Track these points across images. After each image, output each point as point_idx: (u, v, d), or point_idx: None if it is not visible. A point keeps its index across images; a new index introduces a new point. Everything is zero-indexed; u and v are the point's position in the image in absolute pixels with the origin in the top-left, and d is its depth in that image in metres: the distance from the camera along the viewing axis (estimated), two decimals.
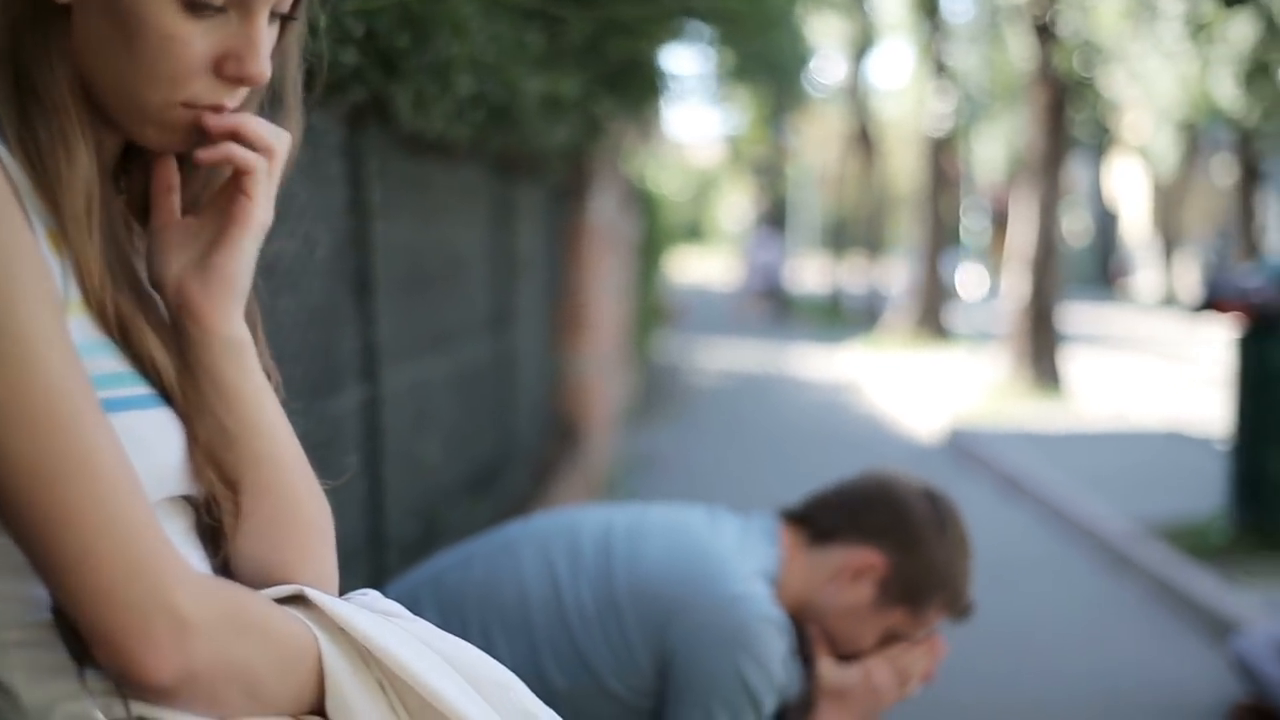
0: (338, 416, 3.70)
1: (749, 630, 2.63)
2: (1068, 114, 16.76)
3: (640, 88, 7.13)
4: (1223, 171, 37.16)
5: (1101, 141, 38.56)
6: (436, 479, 4.89)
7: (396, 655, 1.42)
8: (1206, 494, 9.70)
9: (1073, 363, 18.14)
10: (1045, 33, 16.27)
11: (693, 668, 2.63)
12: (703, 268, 60.50)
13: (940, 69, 23.88)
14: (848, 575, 2.84)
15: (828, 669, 2.87)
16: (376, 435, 4.03)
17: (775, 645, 2.67)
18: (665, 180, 28.74)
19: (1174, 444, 13.27)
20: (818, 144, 43.21)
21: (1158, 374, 19.84)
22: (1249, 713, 5.79)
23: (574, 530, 2.83)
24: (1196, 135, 35.09)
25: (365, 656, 1.43)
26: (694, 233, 65.24)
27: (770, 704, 2.70)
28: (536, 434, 7.68)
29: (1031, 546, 9.72)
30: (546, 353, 8.20)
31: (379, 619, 1.46)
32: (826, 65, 34.24)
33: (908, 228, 32.56)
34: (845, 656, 2.88)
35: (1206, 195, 39.44)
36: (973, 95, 26.22)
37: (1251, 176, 34.11)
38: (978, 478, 12.00)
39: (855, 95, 31.82)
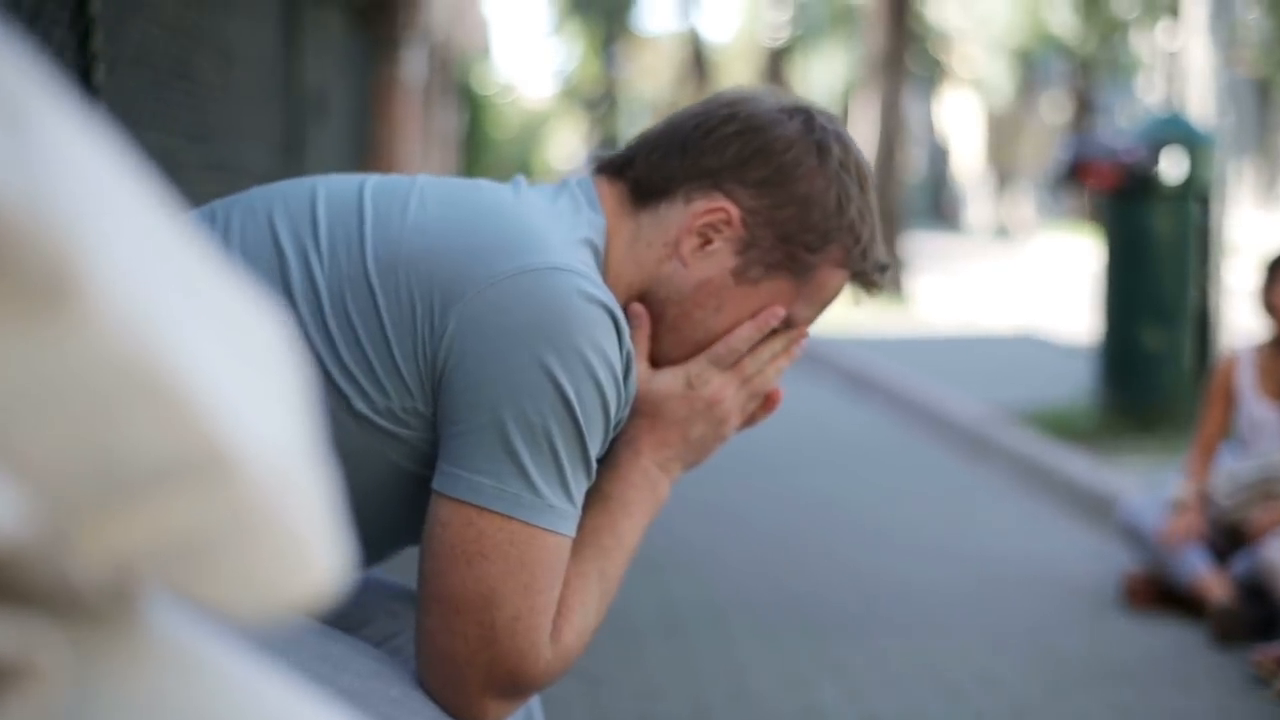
0: None
1: (558, 310, 1.72)
2: (908, 6, 16.09)
3: None
4: (1055, 108, 37.01)
5: (933, 75, 38.39)
6: None
7: None
8: (1065, 386, 9.19)
9: (914, 278, 17.59)
10: None
11: (479, 372, 1.69)
12: None
13: None
14: (691, 239, 1.91)
15: (640, 373, 1.93)
16: None
17: (600, 336, 1.74)
18: (492, 83, 27.86)
19: (1026, 345, 12.70)
20: (651, 73, 42.42)
21: (1001, 288, 19.34)
22: (1143, 582, 5.16)
23: (312, 193, 1.91)
24: (1031, 66, 34.97)
25: None
26: (525, 173, 64.51)
27: (600, 425, 1.77)
28: None
29: (883, 438, 9.07)
30: None
31: None
32: None
33: None
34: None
35: (1040, 131, 39.26)
36: (809, 4, 25.58)
37: (1085, 110, 33.97)
38: (822, 378, 11.34)
39: (688, 18, 31.15)
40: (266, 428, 0.70)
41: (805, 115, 1.97)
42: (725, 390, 1.97)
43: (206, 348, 0.68)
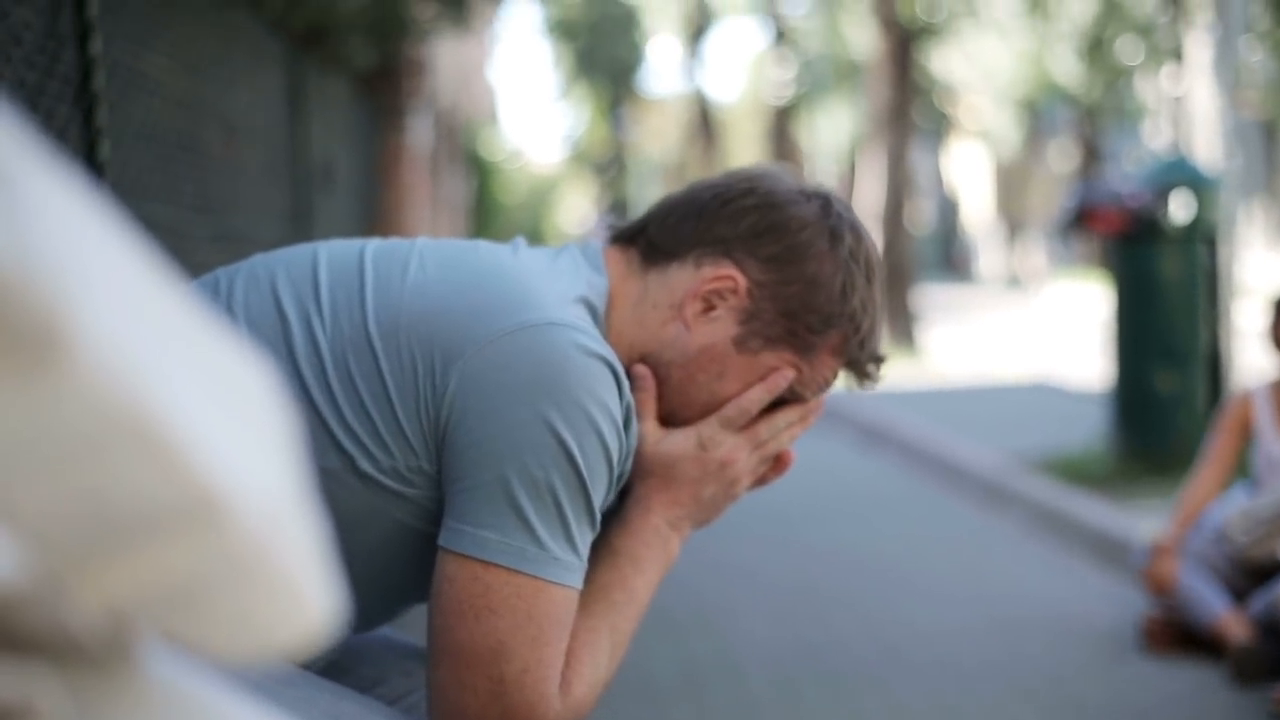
0: None
1: (557, 364, 1.74)
2: (912, 60, 16.15)
3: None
4: (1063, 156, 37.07)
5: (940, 127, 38.48)
6: None
7: None
8: (1080, 432, 9.17)
9: (927, 329, 17.61)
10: None
11: (481, 429, 1.74)
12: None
13: (780, 36, 23.32)
14: (695, 304, 1.95)
15: (648, 431, 1.96)
16: None
17: (600, 388, 1.77)
18: (500, 149, 27.99)
19: (1039, 393, 12.69)
20: (658, 134, 42.61)
21: (1014, 337, 19.34)
22: (1162, 626, 5.15)
23: (313, 258, 1.94)
24: (1037, 115, 35.06)
25: None
26: (535, 238, 64.61)
27: (603, 478, 1.79)
28: None
29: (899, 488, 9.06)
30: None
31: None
32: (663, 52, 34.28)
33: None
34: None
35: (1048, 179, 39.33)
36: (813, 62, 25.63)
37: (1092, 157, 34.01)
38: (836, 432, 11.34)
39: (693, 79, 31.27)
40: (255, 473, 0.72)
41: (823, 200, 2.01)
42: (738, 453, 2.00)
43: (194, 397, 0.70)
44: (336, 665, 2.09)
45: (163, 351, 0.70)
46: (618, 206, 41.09)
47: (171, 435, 0.68)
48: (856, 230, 2.01)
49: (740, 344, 1.96)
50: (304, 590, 0.75)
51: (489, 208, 19.39)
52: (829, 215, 1.99)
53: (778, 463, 2.08)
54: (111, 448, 0.66)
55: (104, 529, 0.68)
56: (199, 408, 0.70)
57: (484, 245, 1.97)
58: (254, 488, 0.71)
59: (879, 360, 2.06)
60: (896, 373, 14.37)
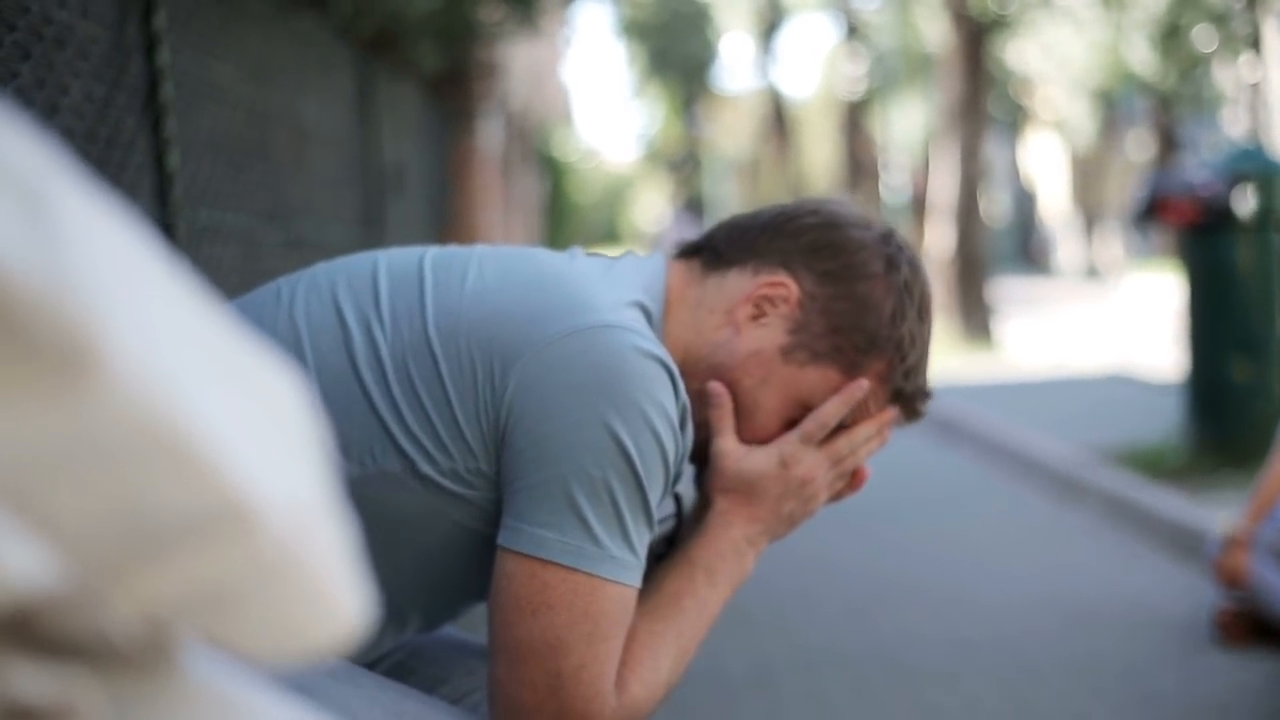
0: None
1: (614, 366, 1.77)
2: (985, 52, 16.06)
3: None
4: (1139, 146, 36.76)
5: (1016, 119, 38.24)
6: None
7: None
8: (1156, 424, 9.11)
9: (1003, 322, 17.54)
10: None
11: (539, 429, 1.77)
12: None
13: (852, 30, 23.26)
14: (747, 308, 1.99)
15: (730, 449, 2.00)
16: None
17: (657, 389, 1.80)
18: (574, 149, 28.05)
19: (1116, 385, 12.61)
20: (732, 131, 42.59)
21: (1091, 329, 19.22)
22: (1235, 618, 5.12)
23: (373, 266, 1.98)
24: (1113, 105, 34.80)
25: None
26: (610, 236, 64.71)
27: (660, 478, 1.82)
28: None
29: (973, 481, 9.04)
30: None
31: None
32: (736, 48, 34.32)
33: None
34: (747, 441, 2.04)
35: (1125, 169, 39.01)
36: (885, 56, 25.52)
37: (1169, 146, 33.71)
38: (912, 426, 11.31)
39: (766, 75, 31.22)
40: (283, 481, 0.75)
41: (886, 232, 2.06)
42: (817, 470, 2.03)
43: (223, 407, 0.73)
44: (402, 665, 2.13)
45: (192, 363, 0.73)
46: (693, 204, 41.12)
47: (201, 446, 0.71)
48: (914, 265, 2.05)
49: (787, 354, 1.99)
50: (334, 593, 0.78)
51: (563, 208, 19.44)
52: (888, 244, 2.04)
53: (854, 479, 2.11)
54: (143, 459, 0.69)
55: (137, 537, 0.71)
56: (228, 418, 0.73)
57: (541, 252, 2.01)
58: (282, 495, 0.74)
59: (926, 396, 2.08)
60: (972, 366, 14.33)
